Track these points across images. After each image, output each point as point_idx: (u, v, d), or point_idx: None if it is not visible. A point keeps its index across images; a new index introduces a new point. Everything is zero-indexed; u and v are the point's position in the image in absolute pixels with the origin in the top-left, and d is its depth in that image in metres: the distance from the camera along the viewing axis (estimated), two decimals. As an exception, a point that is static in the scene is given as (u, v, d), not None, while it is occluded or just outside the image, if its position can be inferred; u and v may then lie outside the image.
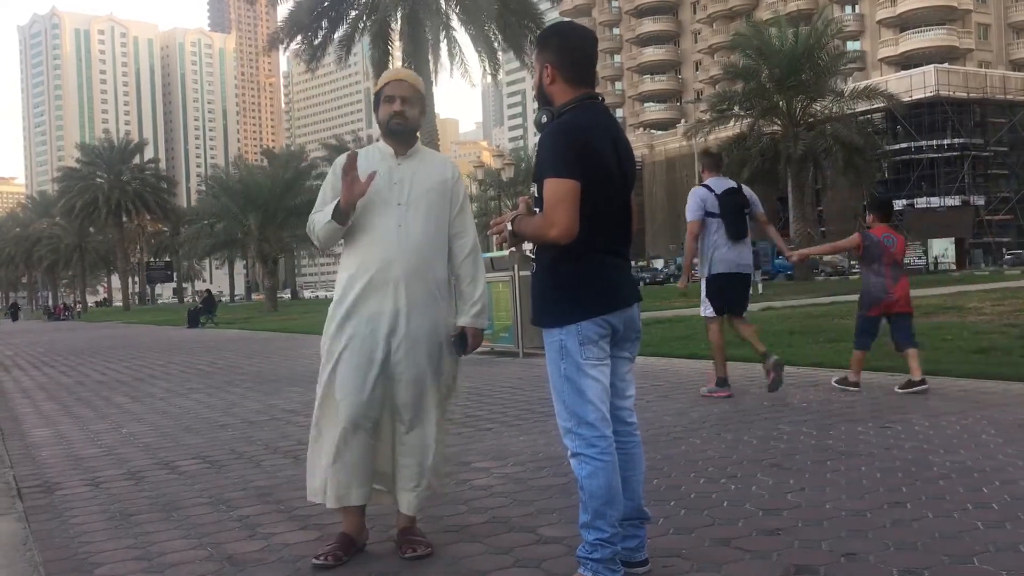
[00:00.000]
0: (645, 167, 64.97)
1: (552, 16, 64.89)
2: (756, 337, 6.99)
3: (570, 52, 2.88)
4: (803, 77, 33.85)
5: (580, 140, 2.75)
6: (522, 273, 11.28)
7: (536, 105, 3.00)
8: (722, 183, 7.01)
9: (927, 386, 6.48)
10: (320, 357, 3.42)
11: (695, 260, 7.06)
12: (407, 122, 3.42)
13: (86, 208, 68.03)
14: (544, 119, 2.88)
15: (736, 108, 35.96)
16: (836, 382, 7.00)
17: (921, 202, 51.86)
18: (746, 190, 7.10)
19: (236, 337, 21.47)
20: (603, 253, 2.83)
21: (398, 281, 3.31)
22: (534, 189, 2.85)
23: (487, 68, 27.13)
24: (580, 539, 2.80)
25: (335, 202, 3.31)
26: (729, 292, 6.95)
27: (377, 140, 3.58)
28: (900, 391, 6.51)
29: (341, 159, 3.37)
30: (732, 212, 6.86)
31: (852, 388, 6.80)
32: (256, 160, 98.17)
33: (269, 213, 46.77)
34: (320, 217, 3.38)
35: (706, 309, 7.07)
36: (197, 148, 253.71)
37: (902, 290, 6.74)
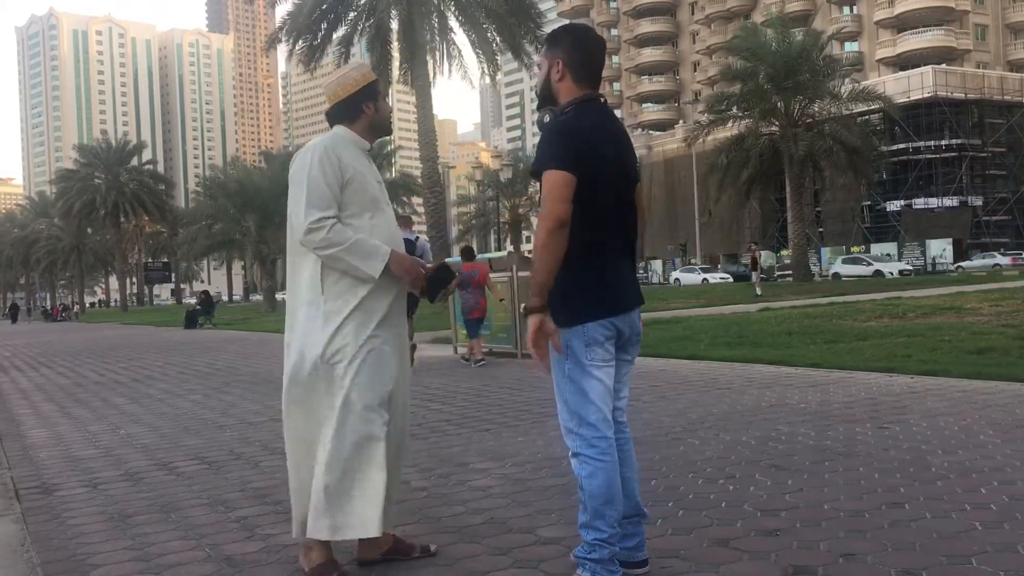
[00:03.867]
0: (643, 168, 64.91)
1: (551, 17, 64.93)
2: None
3: (582, 52, 2.90)
4: (800, 79, 33.83)
5: (579, 138, 2.76)
6: (521, 274, 11.29)
7: (535, 105, 3.01)
8: (405, 235, 9.98)
9: (485, 361, 10.62)
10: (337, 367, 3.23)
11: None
12: None
13: (84, 209, 68.06)
14: (547, 118, 2.90)
15: (734, 109, 35.92)
16: (463, 358, 11.01)
17: (919, 203, 51.90)
18: (420, 240, 9.87)
19: (234, 338, 21.44)
20: (609, 255, 2.83)
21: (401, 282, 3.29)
22: (537, 186, 2.86)
23: (486, 69, 27.07)
24: (579, 540, 2.80)
25: (382, 253, 3.12)
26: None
27: (332, 130, 3.35)
28: (475, 365, 10.39)
29: (335, 159, 3.16)
30: None
31: (467, 362, 10.75)
32: (254, 161, 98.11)
33: (267, 214, 46.78)
34: (359, 247, 3.10)
35: None
36: (195, 149, 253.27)
37: (483, 303, 10.81)
